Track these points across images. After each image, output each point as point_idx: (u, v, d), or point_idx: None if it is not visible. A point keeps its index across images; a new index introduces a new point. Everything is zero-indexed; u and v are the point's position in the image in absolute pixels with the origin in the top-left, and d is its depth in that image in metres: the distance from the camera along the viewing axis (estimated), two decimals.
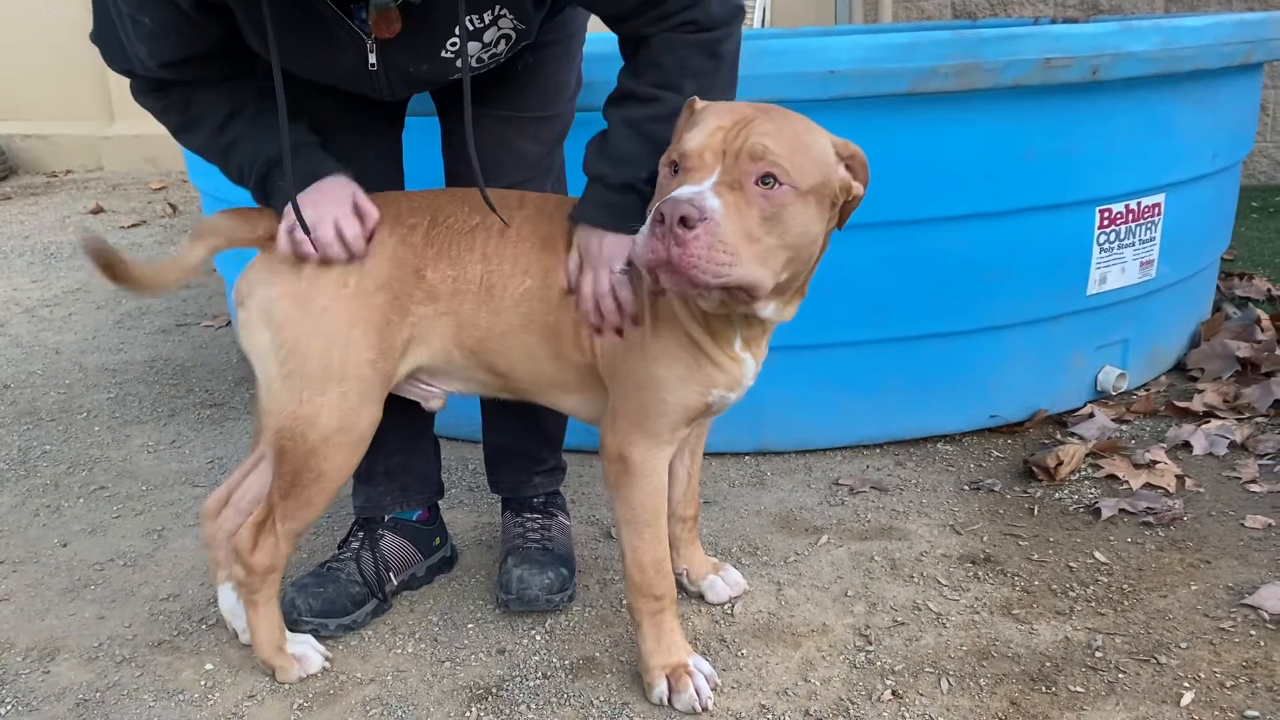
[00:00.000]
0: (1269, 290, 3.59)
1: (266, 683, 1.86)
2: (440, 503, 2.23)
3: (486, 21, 1.71)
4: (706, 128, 1.50)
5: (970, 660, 1.85)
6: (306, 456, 1.74)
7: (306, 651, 1.90)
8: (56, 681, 1.89)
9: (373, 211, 1.73)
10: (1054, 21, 4.66)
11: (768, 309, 1.60)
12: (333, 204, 1.69)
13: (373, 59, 1.71)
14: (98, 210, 6.25)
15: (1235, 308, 3.43)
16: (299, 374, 1.71)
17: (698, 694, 1.74)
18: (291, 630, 1.91)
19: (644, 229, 1.45)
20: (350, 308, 1.71)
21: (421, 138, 2.11)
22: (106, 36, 1.68)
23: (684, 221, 1.39)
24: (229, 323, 3.95)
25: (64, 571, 2.27)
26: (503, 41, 1.77)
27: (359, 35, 1.68)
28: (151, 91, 1.76)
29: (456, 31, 1.68)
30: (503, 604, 2.03)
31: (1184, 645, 1.86)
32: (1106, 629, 1.92)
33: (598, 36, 2.33)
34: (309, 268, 1.71)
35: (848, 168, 1.56)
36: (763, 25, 5.71)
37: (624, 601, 2.05)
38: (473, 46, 1.73)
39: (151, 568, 2.28)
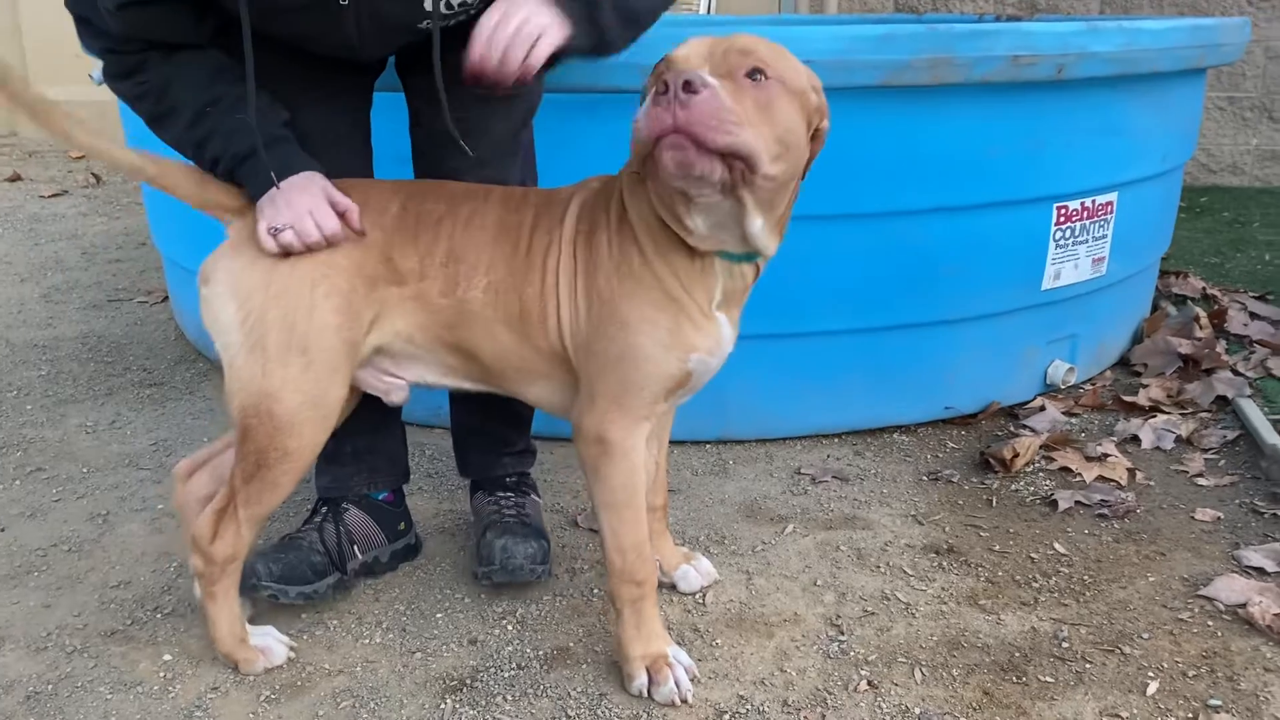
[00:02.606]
0: (1204, 289, 3.70)
1: (229, 674, 1.80)
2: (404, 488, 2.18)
3: None
4: (691, 41, 1.54)
5: (941, 650, 1.88)
6: (272, 434, 1.69)
7: (270, 643, 1.84)
8: (3, 673, 1.81)
9: (348, 203, 1.71)
10: (998, 18, 4.72)
11: (757, 223, 1.58)
12: (307, 198, 1.66)
13: None
14: (15, 178, 5.99)
15: (1173, 305, 3.52)
16: (263, 345, 1.67)
17: (678, 685, 1.73)
18: (250, 595, 1.86)
19: (644, 105, 1.46)
20: (317, 279, 1.68)
21: (386, 115, 2.06)
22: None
23: (688, 86, 1.42)
24: (165, 298, 3.82)
25: (4, 557, 2.17)
26: None
27: None
28: (126, 76, 1.67)
29: None
30: (484, 577, 2.00)
31: (1146, 636, 1.91)
32: (1071, 620, 1.96)
33: None
34: None
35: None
36: (709, 12, 5.69)
37: (595, 590, 2.05)
38: None
39: (99, 554, 2.19)
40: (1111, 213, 2.84)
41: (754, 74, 1.48)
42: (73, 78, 7.11)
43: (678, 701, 1.72)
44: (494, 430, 2.16)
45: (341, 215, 1.69)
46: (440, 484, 2.51)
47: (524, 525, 2.06)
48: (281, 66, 1.76)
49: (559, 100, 2.28)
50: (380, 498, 2.10)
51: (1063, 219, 2.73)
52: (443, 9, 1.72)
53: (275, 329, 1.66)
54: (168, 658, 1.85)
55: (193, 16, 1.63)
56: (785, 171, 1.54)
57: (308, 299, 1.67)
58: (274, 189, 1.66)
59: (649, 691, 1.74)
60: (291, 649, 1.86)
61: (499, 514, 2.09)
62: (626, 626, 1.77)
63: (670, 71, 1.44)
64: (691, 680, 1.76)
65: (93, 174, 6.08)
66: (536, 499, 2.20)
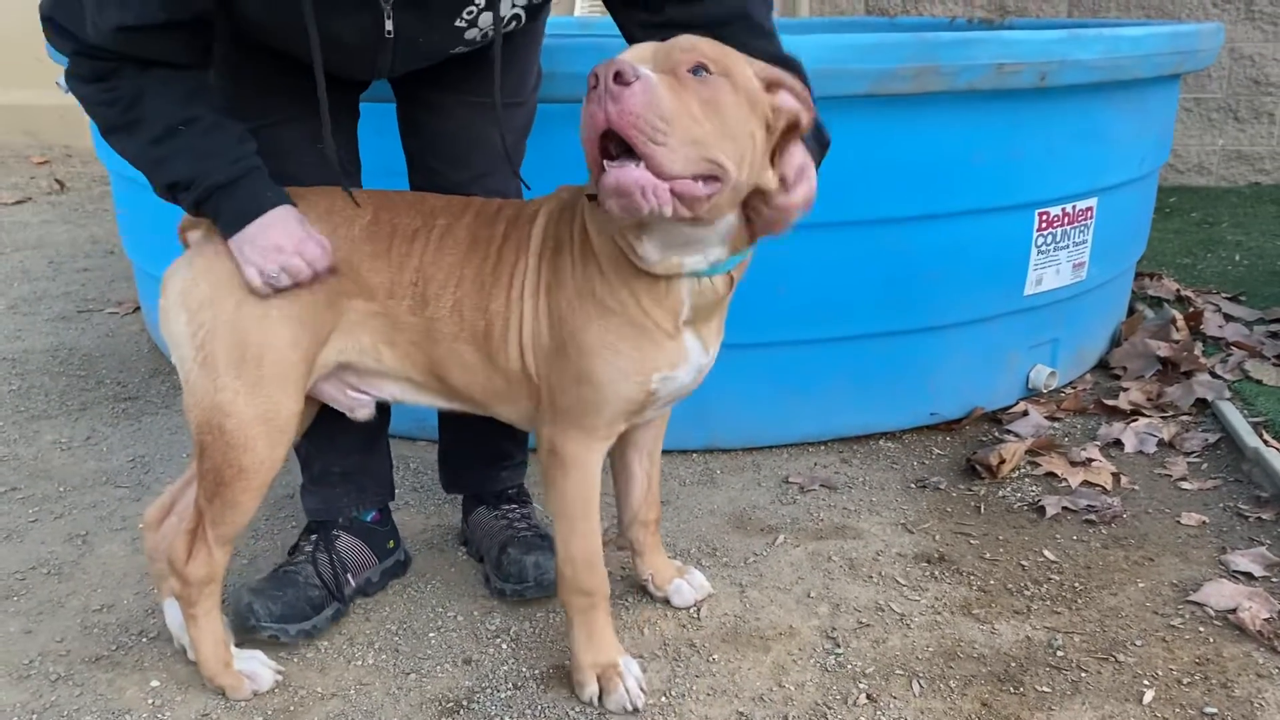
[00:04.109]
0: (1178, 290, 3.74)
1: (219, 700, 1.77)
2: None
3: None
4: (635, 47, 1.47)
5: (938, 661, 1.88)
6: (225, 450, 1.65)
7: (256, 668, 1.80)
8: None
9: (325, 243, 1.66)
10: (970, 22, 4.75)
11: (719, 233, 1.53)
12: (287, 236, 1.62)
13: (389, 26, 1.60)
14: None
15: (1149, 308, 3.56)
16: (214, 359, 1.63)
17: (628, 694, 1.73)
18: (250, 636, 1.82)
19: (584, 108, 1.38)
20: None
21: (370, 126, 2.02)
22: (68, 3, 1.53)
23: (619, 78, 1.32)
24: (136, 309, 3.75)
25: None
26: (514, 21, 1.70)
27: (375, 1, 1.58)
28: (95, 80, 1.59)
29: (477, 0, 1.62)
30: (515, 594, 2.01)
31: (1139, 643, 1.92)
32: (1064, 628, 1.97)
33: (555, 21, 2.26)
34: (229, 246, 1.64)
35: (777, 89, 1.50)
36: None
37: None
38: (485, 19, 1.66)
39: (79, 576, 2.14)
40: (1091, 218, 2.86)
41: (697, 69, 1.40)
42: (35, 81, 7.02)
43: (629, 709, 1.73)
44: (492, 445, 2.14)
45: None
46: (426, 498, 2.48)
47: (542, 538, 2.06)
48: (272, 80, 1.72)
49: (554, 113, 2.25)
50: (368, 518, 2.07)
51: (1044, 225, 2.74)
52: (478, 38, 1.70)
53: (226, 343, 1.63)
54: (155, 684, 1.81)
55: (187, 39, 1.58)
56: (746, 174, 1.46)
57: (261, 312, 1.64)
58: (250, 228, 1.61)
59: (600, 700, 1.74)
60: (279, 673, 1.82)
61: (512, 529, 2.08)
62: (578, 636, 1.76)
63: (602, 63, 1.35)
64: (641, 690, 1.75)
65: (56, 180, 5.98)
66: (535, 507, 2.20)
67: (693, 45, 1.43)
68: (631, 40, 1.72)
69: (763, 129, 1.48)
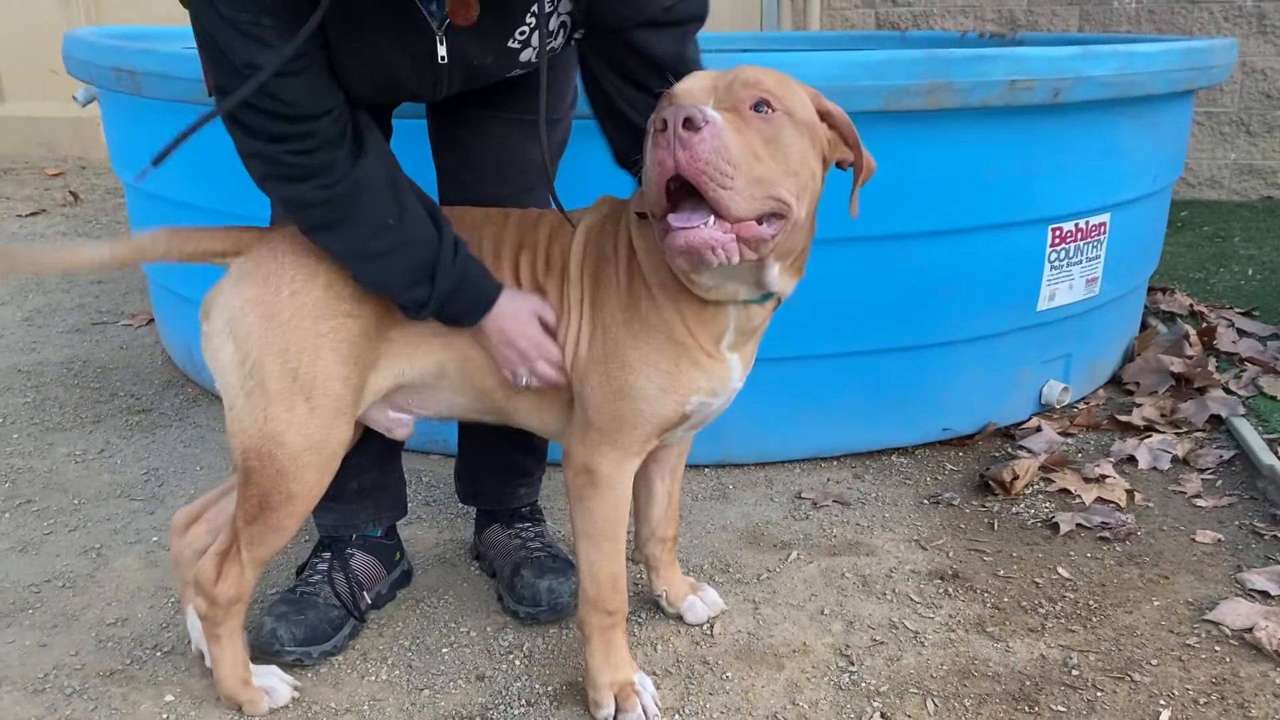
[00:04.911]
0: (1191, 305, 3.72)
1: (234, 716, 1.77)
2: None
3: (553, 4, 1.64)
4: (694, 76, 1.50)
5: (952, 680, 1.87)
6: (275, 478, 1.65)
7: (274, 683, 1.81)
8: (1, 716, 1.76)
9: (550, 315, 1.70)
10: (981, 36, 4.76)
11: (774, 271, 1.55)
12: (529, 329, 1.67)
13: (443, 51, 1.60)
14: None
15: (1162, 323, 3.55)
16: (263, 389, 1.62)
17: (645, 713, 1.73)
18: (274, 660, 1.82)
19: (647, 145, 1.41)
20: (319, 320, 1.63)
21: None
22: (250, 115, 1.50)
23: (688, 124, 1.35)
24: (150, 321, 3.76)
25: None
26: (561, 31, 1.71)
27: (428, 26, 1.58)
28: (306, 179, 1.55)
29: (528, 19, 1.62)
30: (529, 617, 2.01)
31: (1154, 662, 1.91)
32: (1079, 646, 1.96)
33: None
34: (277, 278, 1.63)
35: (829, 125, 1.55)
36: None
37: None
38: (537, 37, 1.67)
39: (93, 589, 2.15)
40: (1105, 233, 2.86)
41: (759, 106, 1.42)
42: (47, 93, 7.06)
43: None
44: (512, 460, 2.14)
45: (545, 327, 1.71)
46: (439, 513, 2.48)
47: (555, 559, 2.06)
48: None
49: (590, 128, 2.24)
50: (378, 534, 2.08)
51: (1058, 240, 2.74)
52: (533, 58, 1.71)
53: (276, 373, 1.62)
54: (169, 698, 1.82)
55: (320, 69, 1.54)
56: (807, 208, 1.51)
57: (312, 344, 1.63)
58: (488, 324, 1.66)
59: (615, 719, 1.74)
60: (295, 688, 1.83)
61: (526, 549, 2.08)
62: (595, 654, 1.76)
63: (670, 107, 1.38)
64: (658, 708, 1.75)
65: (70, 192, 6.01)
66: (549, 524, 2.21)
67: (756, 80, 1.44)
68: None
69: (820, 162, 1.52)
